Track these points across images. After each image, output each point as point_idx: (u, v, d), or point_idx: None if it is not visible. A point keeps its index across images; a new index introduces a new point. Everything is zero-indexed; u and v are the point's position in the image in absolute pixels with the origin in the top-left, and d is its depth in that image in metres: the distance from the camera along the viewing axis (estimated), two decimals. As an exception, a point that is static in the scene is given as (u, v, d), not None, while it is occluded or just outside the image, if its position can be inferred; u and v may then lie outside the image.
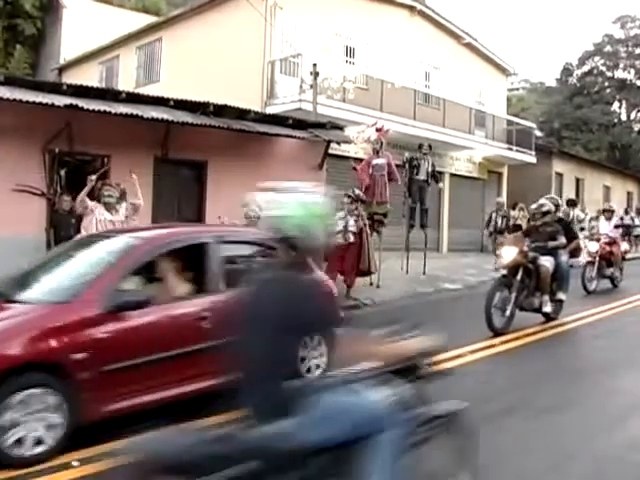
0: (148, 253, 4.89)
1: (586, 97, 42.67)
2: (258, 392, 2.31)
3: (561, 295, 8.61)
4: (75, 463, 3.97)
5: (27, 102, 7.52)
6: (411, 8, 19.87)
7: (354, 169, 11.80)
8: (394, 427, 2.43)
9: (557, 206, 9.63)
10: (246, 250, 5.46)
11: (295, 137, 10.49)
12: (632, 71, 43.54)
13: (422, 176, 13.08)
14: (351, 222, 10.22)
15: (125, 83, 19.59)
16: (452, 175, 20.92)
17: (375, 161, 11.90)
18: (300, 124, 10.79)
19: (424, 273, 13.04)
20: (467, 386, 5.12)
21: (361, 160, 12.33)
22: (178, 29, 18.86)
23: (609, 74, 44.15)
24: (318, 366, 5.41)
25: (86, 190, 7.55)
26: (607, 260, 12.08)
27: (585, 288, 11.44)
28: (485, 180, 22.50)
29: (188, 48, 17.96)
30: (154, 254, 4.92)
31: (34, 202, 8.30)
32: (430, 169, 13.16)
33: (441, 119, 18.94)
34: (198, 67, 17.17)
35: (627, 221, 23.58)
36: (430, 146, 13.71)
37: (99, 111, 8.00)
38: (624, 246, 13.42)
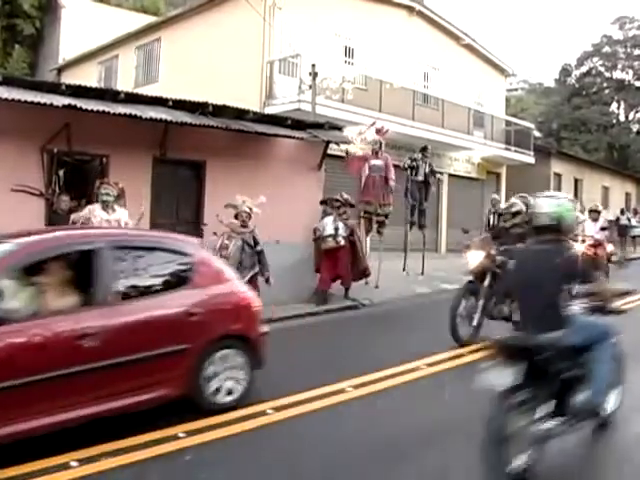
0: (22, 260, 4.39)
1: (585, 98, 42.70)
2: (545, 317, 3.99)
3: None
4: (74, 463, 3.97)
5: (25, 102, 7.49)
6: (410, 9, 19.88)
7: (351, 172, 11.93)
8: (612, 337, 4.27)
9: (528, 206, 9.24)
10: (147, 257, 5.07)
11: (294, 137, 10.48)
12: (630, 72, 43.56)
13: (420, 177, 13.19)
14: (341, 226, 10.28)
15: (124, 83, 19.58)
16: (451, 175, 20.93)
17: (373, 162, 11.93)
18: (299, 124, 10.78)
19: (422, 273, 13.06)
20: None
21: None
22: (177, 29, 18.86)
23: (608, 75, 44.17)
24: (230, 392, 5.06)
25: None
26: (592, 263, 11.36)
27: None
28: (484, 180, 22.51)
29: (187, 48, 17.96)
30: (31, 261, 4.42)
31: (32, 202, 8.28)
32: (427, 169, 13.26)
33: (440, 120, 18.95)
34: (197, 67, 17.17)
35: (623, 222, 23.65)
36: (427, 148, 13.83)
37: (98, 111, 7.98)
38: (610, 248, 12.88)
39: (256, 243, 9.10)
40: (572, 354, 4.01)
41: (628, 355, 4.68)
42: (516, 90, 47.66)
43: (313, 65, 13.57)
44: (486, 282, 7.42)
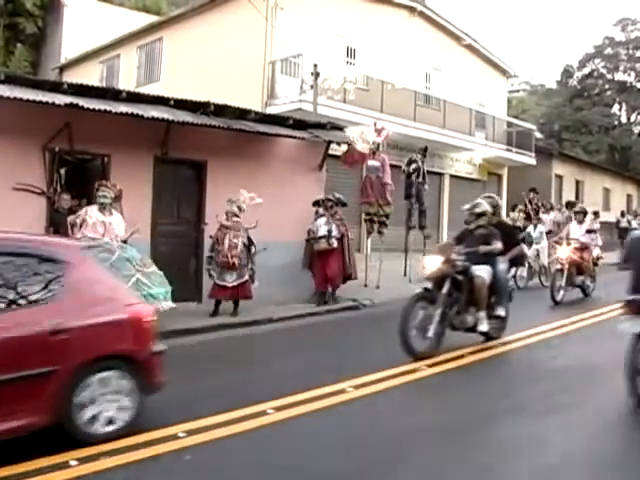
0: None
1: (586, 99, 42.67)
2: None
3: (500, 311, 7.35)
4: (73, 462, 3.97)
5: (27, 101, 7.50)
6: (411, 9, 19.88)
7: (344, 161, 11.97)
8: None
9: (496, 207, 8.06)
10: (6, 265, 4.25)
11: (295, 137, 10.48)
12: (632, 74, 43.53)
13: (420, 178, 13.24)
14: (333, 227, 10.25)
15: (126, 82, 19.58)
16: (452, 176, 20.93)
17: (370, 162, 11.94)
18: (300, 124, 10.77)
19: (423, 274, 13.02)
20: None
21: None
22: (179, 29, 18.86)
23: (609, 76, 44.15)
24: (111, 421, 4.36)
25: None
26: (578, 267, 11.04)
27: (553, 298, 10.49)
28: (485, 182, 22.49)
29: (189, 48, 17.96)
30: None
31: (34, 201, 8.29)
32: (425, 170, 13.41)
33: (441, 120, 18.95)
34: (199, 67, 17.16)
35: (623, 224, 23.63)
36: (427, 148, 13.93)
37: (99, 110, 7.98)
38: (596, 252, 12.24)
39: (251, 243, 9.17)
40: None
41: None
42: (518, 91, 47.64)
43: (315, 65, 13.57)
44: (444, 289, 6.77)
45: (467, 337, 7.34)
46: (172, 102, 9.23)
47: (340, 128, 11.61)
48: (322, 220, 10.43)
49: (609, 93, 43.91)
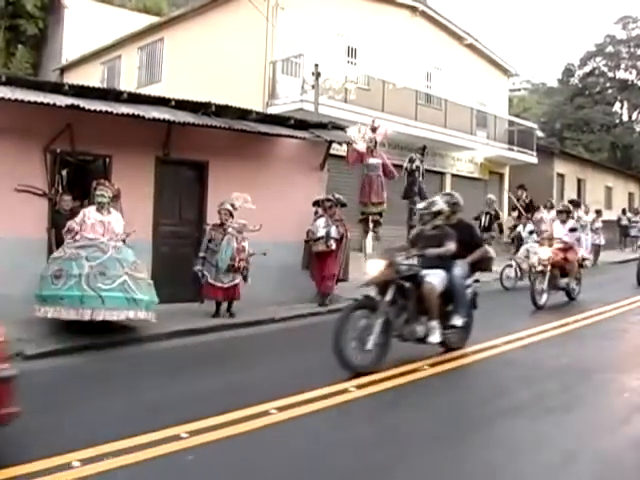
0: None
1: (588, 98, 42.67)
2: None
3: (456, 320, 6.59)
4: (76, 463, 3.97)
5: (29, 102, 7.50)
6: (412, 8, 19.88)
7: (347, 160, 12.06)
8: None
9: (454, 205, 7.12)
10: None
11: (296, 137, 10.47)
12: (634, 72, 43.53)
13: (419, 177, 13.32)
14: (332, 229, 10.19)
15: (127, 83, 19.61)
16: (453, 176, 20.92)
17: (370, 160, 11.95)
18: (301, 124, 10.77)
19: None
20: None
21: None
22: (179, 29, 18.88)
23: (611, 75, 44.14)
24: None
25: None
26: (561, 269, 10.40)
27: (534, 303, 9.87)
28: (486, 181, 22.49)
29: (190, 48, 17.98)
30: None
31: (36, 202, 8.30)
32: (423, 168, 13.51)
33: (442, 120, 18.95)
34: (200, 67, 17.18)
35: (624, 222, 23.62)
36: (426, 147, 14.03)
37: (101, 111, 7.99)
38: (581, 252, 11.50)
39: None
40: None
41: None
42: (519, 90, 47.62)
43: (316, 65, 13.57)
44: (388, 296, 6.11)
45: (423, 348, 6.59)
46: (173, 103, 9.23)
47: (341, 128, 11.60)
48: (321, 221, 10.34)
49: (610, 91, 43.90)
